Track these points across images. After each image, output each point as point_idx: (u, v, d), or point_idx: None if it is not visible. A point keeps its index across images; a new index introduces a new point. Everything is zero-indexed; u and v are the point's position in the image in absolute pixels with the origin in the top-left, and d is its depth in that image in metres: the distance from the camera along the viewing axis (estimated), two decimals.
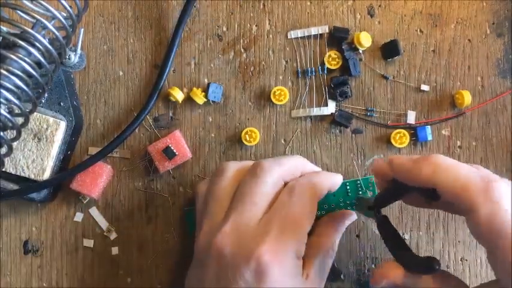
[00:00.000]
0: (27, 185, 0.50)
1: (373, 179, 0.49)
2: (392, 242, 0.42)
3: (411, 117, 0.51)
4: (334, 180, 0.43)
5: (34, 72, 0.40)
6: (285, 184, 0.42)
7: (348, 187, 0.49)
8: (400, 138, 0.50)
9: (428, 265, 0.37)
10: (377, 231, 0.50)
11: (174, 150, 0.50)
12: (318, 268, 0.42)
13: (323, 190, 0.42)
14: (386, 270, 0.39)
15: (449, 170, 0.35)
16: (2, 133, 0.40)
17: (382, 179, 0.41)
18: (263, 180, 0.41)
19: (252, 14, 0.52)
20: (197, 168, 0.52)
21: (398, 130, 0.50)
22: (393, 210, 0.50)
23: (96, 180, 0.50)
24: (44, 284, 0.52)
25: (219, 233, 0.39)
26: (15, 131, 0.42)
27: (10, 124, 0.40)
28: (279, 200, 0.40)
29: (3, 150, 0.42)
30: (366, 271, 0.51)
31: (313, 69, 0.51)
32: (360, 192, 0.49)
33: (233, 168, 0.44)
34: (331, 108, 0.51)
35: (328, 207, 0.49)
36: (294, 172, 0.43)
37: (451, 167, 0.35)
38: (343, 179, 0.49)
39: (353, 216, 0.47)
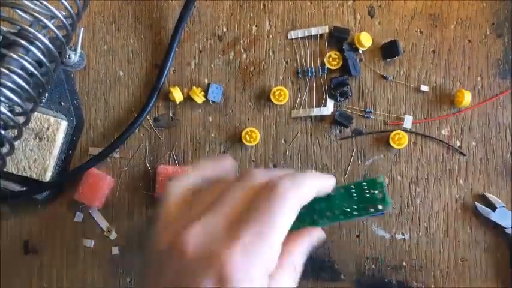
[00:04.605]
0: (33, 186, 0.50)
1: (380, 179, 0.39)
2: None
3: (408, 122, 0.51)
4: (323, 183, 0.37)
5: (35, 71, 0.40)
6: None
7: (353, 191, 0.39)
8: (399, 139, 0.50)
9: None
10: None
11: None
12: None
13: (309, 194, 0.35)
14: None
15: None
16: (3, 132, 0.40)
17: None
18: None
19: (252, 14, 0.52)
20: None
21: (397, 131, 0.50)
22: (393, 210, 0.50)
23: (97, 193, 0.51)
24: (44, 284, 0.52)
25: (185, 232, 0.33)
26: (16, 130, 0.42)
27: (11, 123, 0.40)
28: (256, 200, 0.34)
29: (5, 149, 0.42)
30: (366, 271, 0.51)
31: (313, 69, 0.51)
32: (368, 195, 0.39)
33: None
34: (330, 108, 0.51)
35: (331, 215, 0.39)
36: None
37: None
38: (346, 182, 0.49)
39: (321, 234, 0.39)
